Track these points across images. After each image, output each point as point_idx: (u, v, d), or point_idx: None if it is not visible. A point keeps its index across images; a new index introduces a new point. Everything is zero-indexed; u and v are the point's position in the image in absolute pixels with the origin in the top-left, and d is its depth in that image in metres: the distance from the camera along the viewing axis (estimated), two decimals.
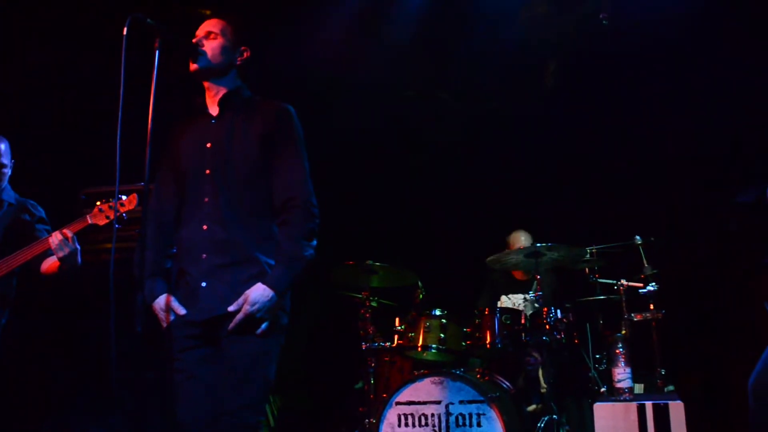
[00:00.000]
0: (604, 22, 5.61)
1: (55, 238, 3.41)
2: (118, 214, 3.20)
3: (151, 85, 2.62)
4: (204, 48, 2.82)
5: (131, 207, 3.28)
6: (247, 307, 2.60)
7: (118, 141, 2.49)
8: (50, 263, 3.63)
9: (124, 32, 2.54)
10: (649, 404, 3.54)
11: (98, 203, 3.41)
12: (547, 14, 5.83)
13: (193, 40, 2.86)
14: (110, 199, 3.40)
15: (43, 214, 3.95)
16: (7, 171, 3.86)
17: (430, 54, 5.94)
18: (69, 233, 3.42)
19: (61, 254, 3.41)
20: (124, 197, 3.31)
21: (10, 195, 3.91)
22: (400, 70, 5.97)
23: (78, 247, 3.46)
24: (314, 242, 2.76)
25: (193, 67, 2.83)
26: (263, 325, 2.64)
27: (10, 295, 3.77)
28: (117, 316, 2.43)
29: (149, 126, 2.61)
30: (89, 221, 3.41)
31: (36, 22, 5.07)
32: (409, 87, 6.17)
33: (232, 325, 2.62)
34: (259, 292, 2.62)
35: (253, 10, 5.18)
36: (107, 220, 3.39)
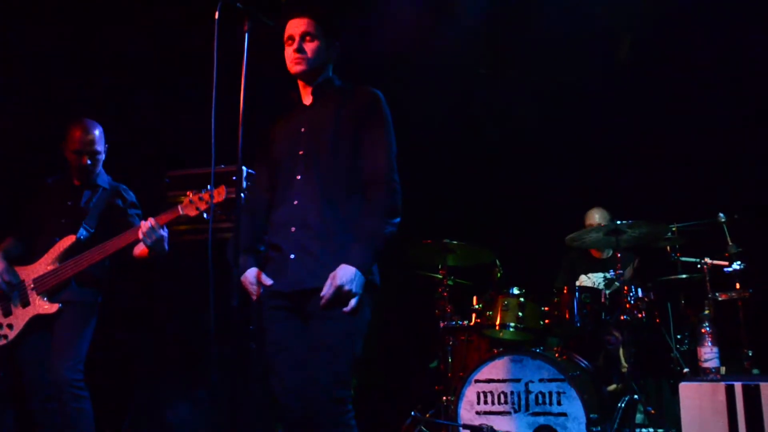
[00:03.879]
0: None
1: (145, 226, 3.55)
2: (209, 205, 3.35)
3: (242, 67, 2.69)
4: (305, 50, 2.87)
5: (220, 199, 3.40)
6: (336, 282, 2.66)
7: (212, 129, 2.57)
8: (141, 248, 3.78)
9: (216, 16, 2.61)
10: (738, 385, 3.42)
11: (189, 194, 3.54)
12: None
13: (289, 41, 2.89)
14: (201, 191, 3.53)
15: (134, 198, 4.12)
16: (101, 157, 4.03)
17: (503, 31, 5.86)
18: (155, 222, 3.57)
19: (149, 241, 3.56)
20: (212, 188, 3.43)
21: (104, 180, 4.09)
22: (473, 48, 5.91)
23: (165, 234, 3.61)
24: (396, 219, 2.81)
25: (296, 69, 2.89)
26: (352, 302, 2.69)
27: (104, 276, 3.96)
28: (203, 295, 2.52)
29: (241, 109, 2.68)
30: (180, 212, 3.54)
31: (121, 7, 5.20)
32: (482, 65, 6.10)
33: (322, 302, 2.69)
34: (343, 272, 2.68)
35: None
36: (197, 212, 3.52)
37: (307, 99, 3.01)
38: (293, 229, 2.81)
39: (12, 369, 4.18)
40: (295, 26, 2.90)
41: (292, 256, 2.79)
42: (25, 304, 3.77)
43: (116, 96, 5.36)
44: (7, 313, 3.79)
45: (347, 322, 2.71)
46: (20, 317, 3.76)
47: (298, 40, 2.87)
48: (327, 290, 2.68)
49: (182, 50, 5.13)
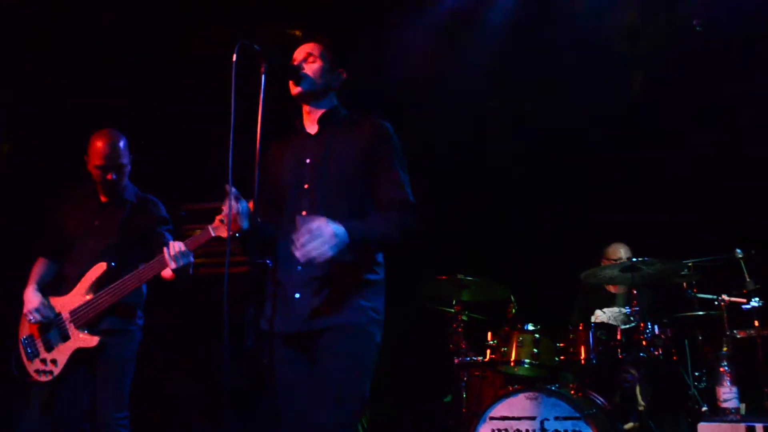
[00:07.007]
0: (697, 28, 5.46)
1: (174, 248, 3.29)
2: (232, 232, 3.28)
3: (259, 108, 2.70)
4: (305, 71, 2.88)
5: None
6: (316, 222, 2.51)
7: (230, 170, 2.59)
8: (169, 272, 3.50)
9: (234, 58, 2.64)
10: (759, 426, 3.38)
11: (218, 216, 3.24)
12: (636, 24, 5.72)
13: (293, 63, 2.91)
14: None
15: (164, 212, 3.93)
16: (127, 169, 3.83)
17: (515, 65, 5.91)
18: (185, 248, 3.32)
19: (174, 266, 3.30)
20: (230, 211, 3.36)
21: (130, 193, 3.90)
22: (484, 82, 5.96)
23: (192, 260, 3.36)
24: (406, 237, 2.73)
25: (296, 90, 2.88)
26: (323, 247, 2.48)
27: (141, 300, 3.84)
28: (218, 331, 2.51)
29: (257, 148, 2.70)
30: (212, 234, 3.25)
31: (141, 45, 5.30)
32: (494, 99, 6.14)
33: (297, 245, 2.49)
34: (327, 220, 2.53)
35: (338, 26, 5.28)
36: (230, 232, 3.40)
37: (312, 128, 2.94)
38: (299, 267, 2.72)
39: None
40: (300, 50, 2.93)
41: (297, 296, 2.73)
42: (66, 338, 3.62)
43: (134, 127, 5.42)
44: (50, 348, 3.64)
45: (354, 359, 2.66)
46: (63, 352, 3.61)
47: (300, 62, 2.89)
48: (303, 234, 2.50)
49: (203, 87, 5.20)
